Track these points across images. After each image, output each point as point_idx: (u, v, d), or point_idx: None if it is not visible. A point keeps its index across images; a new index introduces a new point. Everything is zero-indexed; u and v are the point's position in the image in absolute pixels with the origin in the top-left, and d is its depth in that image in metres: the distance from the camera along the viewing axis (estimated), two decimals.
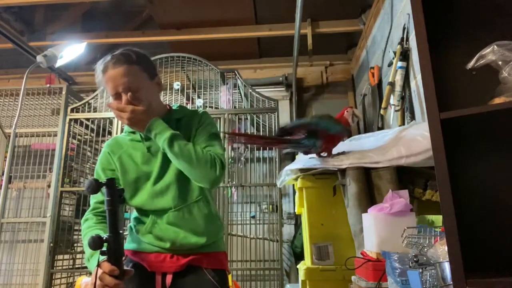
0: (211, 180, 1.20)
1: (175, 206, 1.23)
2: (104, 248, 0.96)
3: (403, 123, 2.40)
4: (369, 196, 1.74)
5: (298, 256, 3.38)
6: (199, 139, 1.27)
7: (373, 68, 3.17)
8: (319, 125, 1.81)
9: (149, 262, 1.22)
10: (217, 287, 1.20)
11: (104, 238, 0.94)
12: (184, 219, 1.23)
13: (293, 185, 2.26)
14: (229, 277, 1.41)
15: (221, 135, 3.09)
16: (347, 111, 1.94)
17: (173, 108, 1.37)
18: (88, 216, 1.26)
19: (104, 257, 0.98)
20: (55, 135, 3.33)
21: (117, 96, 1.21)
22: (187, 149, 1.19)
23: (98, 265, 0.98)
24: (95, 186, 0.95)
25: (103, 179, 1.21)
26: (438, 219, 1.50)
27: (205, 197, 1.28)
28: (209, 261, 1.24)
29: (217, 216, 1.33)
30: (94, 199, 1.28)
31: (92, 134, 3.36)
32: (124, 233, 1.10)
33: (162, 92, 3.34)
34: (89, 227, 1.21)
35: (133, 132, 1.31)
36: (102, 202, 1.23)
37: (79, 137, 3.41)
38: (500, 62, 0.91)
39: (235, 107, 3.37)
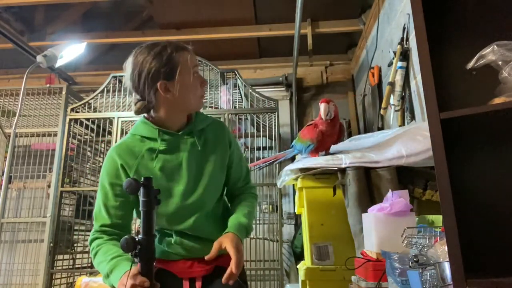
0: None
1: (202, 225, 1.20)
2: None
3: (403, 123, 2.40)
4: (369, 196, 1.74)
5: (298, 256, 3.38)
6: (237, 170, 1.31)
7: (373, 68, 3.17)
8: (294, 152, 2.14)
9: (177, 268, 1.20)
10: (242, 285, 1.19)
11: (137, 240, 0.92)
12: (210, 232, 1.21)
13: (293, 185, 2.26)
14: None
15: None
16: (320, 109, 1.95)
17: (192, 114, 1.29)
18: (97, 235, 1.16)
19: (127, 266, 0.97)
20: (55, 135, 3.33)
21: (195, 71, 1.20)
22: (253, 216, 1.28)
23: (130, 271, 0.95)
24: (135, 186, 0.92)
25: (110, 195, 1.16)
26: (438, 219, 1.50)
27: (226, 206, 1.32)
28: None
29: None
30: (99, 221, 1.17)
31: (92, 134, 3.36)
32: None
33: None
34: (100, 244, 1.14)
35: (150, 138, 1.19)
36: (108, 226, 1.16)
37: (79, 137, 3.41)
38: (500, 62, 0.91)
39: (235, 107, 3.37)
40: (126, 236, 0.91)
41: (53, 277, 3.05)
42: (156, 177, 1.14)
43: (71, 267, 3.20)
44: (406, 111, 2.37)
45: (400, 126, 2.39)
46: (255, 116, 3.38)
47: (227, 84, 3.36)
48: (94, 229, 1.17)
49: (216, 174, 1.23)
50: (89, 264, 3.38)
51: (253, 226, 1.26)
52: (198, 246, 1.20)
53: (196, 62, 1.20)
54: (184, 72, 1.15)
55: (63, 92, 3.41)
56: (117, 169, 1.16)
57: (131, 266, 0.97)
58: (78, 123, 3.35)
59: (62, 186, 3.13)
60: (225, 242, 1.10)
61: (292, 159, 2.36)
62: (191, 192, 1.18)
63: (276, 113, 3.18)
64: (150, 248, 0.94)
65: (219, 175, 1.25)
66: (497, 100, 0.90)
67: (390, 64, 2.56)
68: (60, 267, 3.10)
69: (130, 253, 0.94)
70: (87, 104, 3.32)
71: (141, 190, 0.94)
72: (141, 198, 0.95)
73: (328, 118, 1.89)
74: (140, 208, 0.95)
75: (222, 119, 3.18)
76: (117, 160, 1.16)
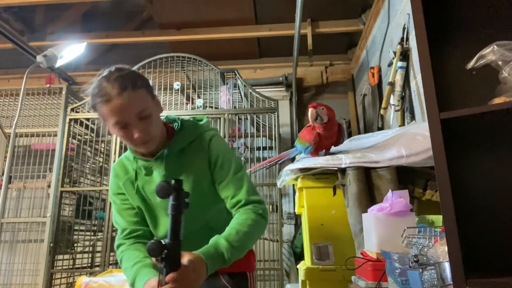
0: (265, 229, 1.20)
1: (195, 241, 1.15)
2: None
3: (403, 123, 2.40)
4: (369, 196, 1.74)
5: (298, 256, 3.38)
6: (225, 188, 1.17)
7: (373, 68, 3.17)
8: (296, 152, 2.13)
9: None
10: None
11: (164, 244, 0.89)
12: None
13: (293, 185, 2.26)
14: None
15: (221, 135, 3.10)
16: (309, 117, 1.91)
17: (174, 127, 1.22)
18: (120, 242, 1.19)
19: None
20: (55, 135, 3.33)
21: (123, 126, 1.07)
22: (245, 240, 1.09)
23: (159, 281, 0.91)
24: (167, 190, 0.91)
25: (119, 202, 1.22)
26: (438, 219, 1.50)
27: (226, 216, 1.22)
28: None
29: None
30: (119, 227, 1.21)
31: (92, 134, 3.36)
32: None
33: (162, 92, 3.35)
34: (124, 251, 1.16)
35: (144, 159, 1.19)
36: (127, 229, 1.19)
37: (79, 137, 3.41)
38: (500, 62, 0.91)
39: (235, 107, 3.37)
40: (152, 240, 0.89)
41: (53, 277, 3.05)
42: (138, 200, 1.21)
43: (71, 267, 3.20)
44: (406, 111, 2.37)
45: (400, 126, 2.39)
46: (255, 116, 3.38)
47: (227, 84, 3.36)
48: (117, 235, 1.22)
49: (197, 194, 1.15)
50: (89, 264, 3.38)
51: (245, 245, 1.10)
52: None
53: (117, 117, 1.04)
54: (106, 123, 1.10)
55: (63, 92, 3.41)
56: (116, 183, 1.24)
57: (159, 274, 0.94)
58: (78, 123, 3.35)
59: (62, 186, 3.13)
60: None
61: (293, 159, 2.36)
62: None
63: (276, 113, 3.18)
64: (176, 253, 0.91)
65: (202, 194, 1.18)
66: (497, 100, 0.90)
67: (390, 64, 2.56)
68: (60, 267, 3.10)
69: (156, 258, 0.90)
70: (87, 104, 3.32)
71: (172, 194, 0.93)
72: (170, 201, 0.92)
73: (319, 122, 1.87)
74: (168, 212, 0.92)
75: (222, 119, 3.18)
76: (114, 175, 1.25)
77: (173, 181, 0.92)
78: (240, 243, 1.06)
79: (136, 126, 1.06)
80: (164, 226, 1.20)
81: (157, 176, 1.17)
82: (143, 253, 1.12)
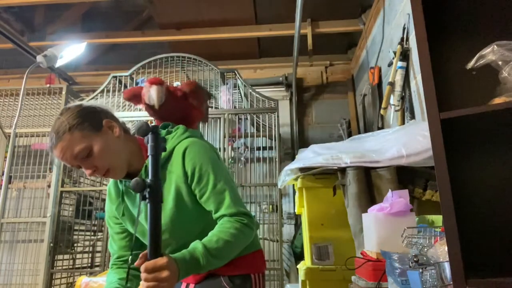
0: (250, 240, 1.13)
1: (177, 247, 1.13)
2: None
3: (403, 123, 2.40)
4: (369, 196, 1.74)
5: (298, 256, 3.38)
6: (209, 205, 1.11)
7: (373, 68, 3.17)
8: None
9: None
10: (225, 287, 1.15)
11: (146, 182, 0.91)
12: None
13: (293, 185, 2.26)
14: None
15: (221, 135, 3.10)
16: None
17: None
18: (111, 265, 1.26)
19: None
20: None
21: (76, 167, 1.10)
22: (225, 248, 1.03)
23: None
24: (145, 130, 0.95)
25: (112, 224, 1.27)
26: (438, 219, 1.50)
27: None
28: (228, 268, 1.14)
29: None
30: (111, 251, 1.27)
31: None
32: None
33: None
34: (108, 274, 1.23)
35: (127, 181, 1.18)
36: (117, 255, 1.25)
37: None
38: (500, 62, 0.91)
39: (235, 107, 3.37)
40: (136, 178, 0.91)
41: (53, 277, 3.05)
42: (128, 222, 1.22)
43: (71, 267, 3.20)
44: (406, 111, 2.37)
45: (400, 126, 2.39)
46: (255, 116, 3.38)
47: (227, 84, 3.36)
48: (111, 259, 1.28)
49: (182, 209, 1.14)
50: (89, 264, 3.38)
51: (225, 255, 1.05)
52: None
53: (64, 159, 1.07)
54: None
55: (63, 92, 3.41)
56: (110, 205, 1.27)
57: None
58: None
59: (62, 186, 3.13)
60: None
61: (292, 158, 2.35)
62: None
63: (276, 113, 3.18)
64: (158, 191, 0.94)
65: (187, 208, 1.14)
66: (497, 100, 0.90)
67: (390, 64, 2.56)
68: (60, 267, 3.10)
69: (140, 193, 0.92)
70: None
71: (149, 136, 0.96)
72: (149, 143, 0.95)
73: (159, 103, 1.28)
74: (148, 153, 0.94)
75: (222, 119, 3.18)
76: (108, 197, 1.28)
77: (151, 126, 0.95)
78: (219, 252, 1.02)
79: (82, 165, 1.09)
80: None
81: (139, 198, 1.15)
82: (118, 274, 1.21)
